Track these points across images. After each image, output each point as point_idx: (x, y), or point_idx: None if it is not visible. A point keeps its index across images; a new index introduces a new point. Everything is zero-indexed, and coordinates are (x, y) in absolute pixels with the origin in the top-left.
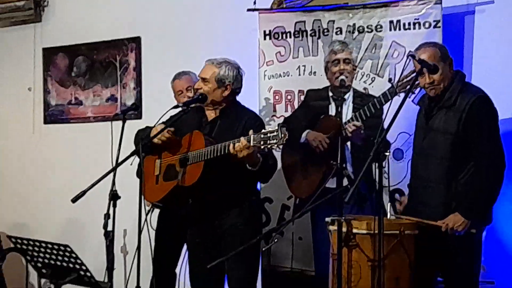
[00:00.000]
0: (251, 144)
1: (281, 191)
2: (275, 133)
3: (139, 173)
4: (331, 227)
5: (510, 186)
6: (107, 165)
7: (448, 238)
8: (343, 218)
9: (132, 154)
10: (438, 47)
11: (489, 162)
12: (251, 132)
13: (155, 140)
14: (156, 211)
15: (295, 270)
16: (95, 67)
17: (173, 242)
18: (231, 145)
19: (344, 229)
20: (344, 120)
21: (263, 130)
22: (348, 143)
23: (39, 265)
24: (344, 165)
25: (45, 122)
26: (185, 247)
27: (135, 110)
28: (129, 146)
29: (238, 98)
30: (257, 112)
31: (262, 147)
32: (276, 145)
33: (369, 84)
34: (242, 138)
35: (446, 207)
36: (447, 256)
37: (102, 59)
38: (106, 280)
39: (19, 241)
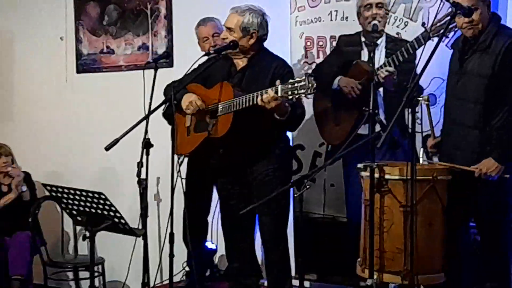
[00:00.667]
0: (279, 95)
1: (313, 138)
2: (302, 83)
3: (167, 115)
4: (363, 173)
5: None
6: (139, 113)
7: (481, 183)
8: (375, 164)
9: (164, 102)
10: None
11: None
12: (278, 82)
13: (187, 111)
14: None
15: (327, 216)
16: (126, 16)
17: (203, 190)
18: (259, 97)
19: (376, 175)
20: (376, 66)
21: (290, 80)
22: (381, 89)
23: (74, 212)
24: (376, 111)
25: (78, 71)
26: (215, 195)
27: (167, 58)
28: (161, 95)
29: (269, 45)
30: (289, 58)
31: (290, 97)
32: (304, 95)
33: (402, 29)
34: (269, 90)
35: (480, 151)
36: (479, 201)
37: (133, 7)
38: (140, 227)
39: (54, 189)
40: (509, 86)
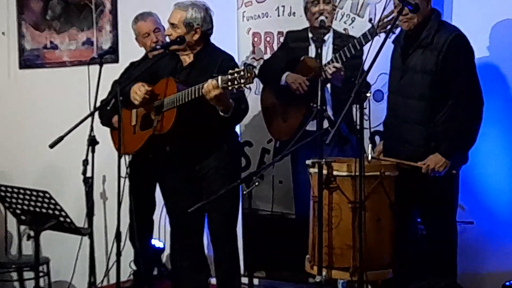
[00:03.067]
0: (220, 85)
1: (261, 134)
2: (242, 73)
3: (106, 122)
4: (311, 170)
5: (489, 126)
6: (85, 110)
7: (427, 178)
8: (324, 160)
9: (110, 99)
10: None
11: (468, 101)
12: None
13: (136, 101)
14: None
15: (275, 213)
16: (70, 10)
17: (147, 188)
18: (202, 89)
19: (324, 172)
20: (324, 62)
21: (230, 71)
22: (328, 85)
23: (18, 211)
24: (324, 107)
25: (21, 67)
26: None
27: (112, 54)
28: (106, 91)
29: (216, 41)
30: (236, 54)
31: (230, 87)
32: (244, 85)
33: (349, 25)
34: (209, 80)
35: (425, 146)
36: (426, 197)
37: (77, 1)
38: (86, 226)
39: None
40: (453, 81)
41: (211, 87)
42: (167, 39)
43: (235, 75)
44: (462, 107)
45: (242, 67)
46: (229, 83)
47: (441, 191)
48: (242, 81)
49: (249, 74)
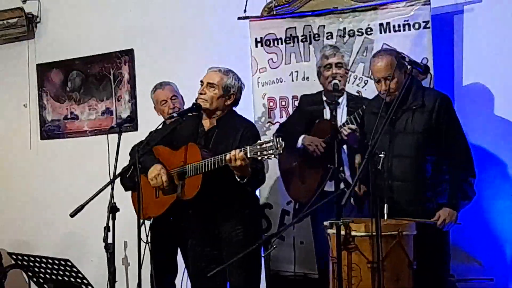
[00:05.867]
0: (248, 156)
1: (280, 196)
2: (271, 144)
3: (125, 184)
4: (329, 231)
5: (504, 184)
6: (105, 178)
7: (430, 234)
8: (341, 221)
9: (129, 166)
10: (393, 55)
11: (462, 155)
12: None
13: (151, 182)
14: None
15: (298, 274)
16: (89, 81)
17: (169, 253)
18: (227, 155)
19: (342, 232)
20: (339, 124)
21: (258, 141)
22: (344, 146)
23: (41, 280)
24: (341, 168)
25: (42, 138)
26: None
27: (131, 122)
28: (125, 159)
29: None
30: (253, 119)
31: (259, 158)
32: (274, 155)
33: (362, 87)
34: (237, 150)
35: (428, 203)
36: (426, 252)
37: (96, 73)
38: None
39: (20, 257)
40: (446, 138)
41: (238, 156)
42: (191, 103)
43: (264, 145)
44: (459, 161)
45: (272, 138)
46: (258, 153)
47: (440, 245)
48: (271, 151)
49: (279, 145)
